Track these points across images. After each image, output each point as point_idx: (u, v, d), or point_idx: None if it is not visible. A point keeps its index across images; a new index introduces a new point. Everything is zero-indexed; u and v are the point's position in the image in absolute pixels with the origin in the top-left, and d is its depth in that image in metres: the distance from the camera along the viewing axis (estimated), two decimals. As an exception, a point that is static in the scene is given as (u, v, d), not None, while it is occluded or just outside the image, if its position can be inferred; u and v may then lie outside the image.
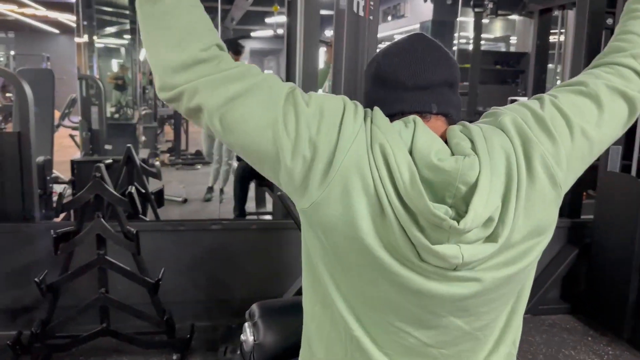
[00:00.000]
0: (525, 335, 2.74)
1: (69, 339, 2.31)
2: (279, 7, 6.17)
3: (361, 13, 1.69)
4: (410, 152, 0.80)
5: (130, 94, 7.39)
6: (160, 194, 3.08)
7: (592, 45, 2.95)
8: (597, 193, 2.90)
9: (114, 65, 7.84)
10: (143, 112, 7.24)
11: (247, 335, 1.21)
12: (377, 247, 0.80)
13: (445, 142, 0.84)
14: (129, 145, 2.92)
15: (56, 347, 2.31)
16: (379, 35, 2.21)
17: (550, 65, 3.81)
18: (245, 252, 2.79)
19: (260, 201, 4.23)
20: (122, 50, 7.89)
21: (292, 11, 2.70)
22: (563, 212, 3.33)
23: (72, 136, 6.10)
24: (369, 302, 0.85)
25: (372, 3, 1.69)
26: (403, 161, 0.79)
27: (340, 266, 0.84)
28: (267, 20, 10.83)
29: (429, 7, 6.39)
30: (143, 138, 5.86)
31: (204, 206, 4.96)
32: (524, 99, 4.63)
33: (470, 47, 4.66)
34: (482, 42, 5.60)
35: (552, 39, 3.61)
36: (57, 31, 13.65)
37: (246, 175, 4.03)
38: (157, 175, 3.06)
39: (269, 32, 11.57)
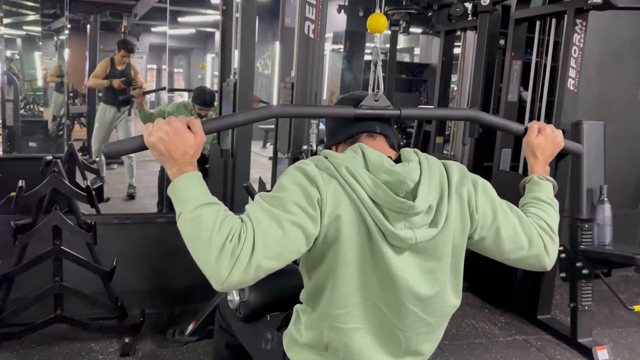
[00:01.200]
0: (434, 310, 3.20)
1: (22, 326, 2.41)
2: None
3: (311, 35, 2.02)
4: (367, 168, 1.15)
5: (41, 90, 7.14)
6: (100, 189, 3.20)
7: (489, 60, 3.47)
8: (492, 182, 3.43)
9: (36, 58, 7.48)
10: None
11: (234, 295, 1.48)
12: (359, 237, 1.13)
13: (396, 160, 1.21)
14: (71, 142, 3.02)
15: (8, 335, 2.40)
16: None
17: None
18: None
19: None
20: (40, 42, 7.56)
21: (228, 13, 2.93)
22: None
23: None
24: (354, 288, 1.17)
25: (319, 26, 2.02)
26: (364, 173, 1.14)
27: (334, 265, 1.16)
28: (180, 19, 10.82)
29: (343, 17, 6.84)
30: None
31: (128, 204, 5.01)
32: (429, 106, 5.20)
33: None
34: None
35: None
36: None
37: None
38: (99, 172, 3.18)
39: (183, 31, 11.49)
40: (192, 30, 12.46)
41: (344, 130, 1.30)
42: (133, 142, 1.13)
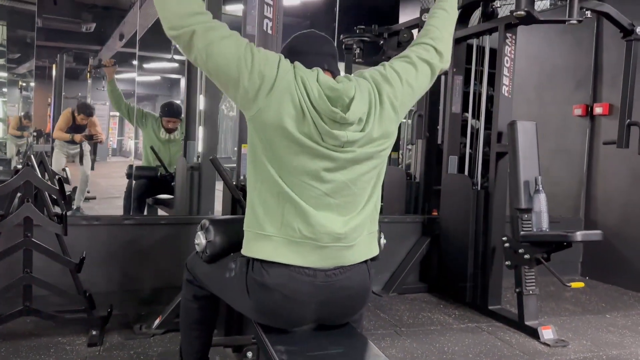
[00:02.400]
0: (391, 305, 3.37)
1: (-11, 319, 2.45)
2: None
3: (269, 32, 2.27)
4: (317, 82, 1.41)
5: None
6: (69, 197, 3.30)
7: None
8: (441, 191, 3.70)
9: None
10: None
11: (201, 239, 1.64)
12: (298, 133, 1.38)
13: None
14: (42, 151, 3.15)
15: (-24, 328, 2.44)
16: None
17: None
18: (154, 245, 3.11)
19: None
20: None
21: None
22: (418, 211, 4.10)
23: None
24: (291, 170, 1.41)
25: (277, 23, 2.28)
26: (314, 85, 1.40)
27: (272, 150, 1.40)
28: (146, 65, 11.10)
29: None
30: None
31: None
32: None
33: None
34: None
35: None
36: None
37: (143, 194, 4.34)
38: (67, 180, 3.29)
39: (149, 77, 11.74)
40: (158, 77, 12.71)
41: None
42: None
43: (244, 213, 2.44)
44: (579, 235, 2.78)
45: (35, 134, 7.91)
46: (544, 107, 4.77)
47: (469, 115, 3.63)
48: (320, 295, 1.45)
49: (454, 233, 3.54)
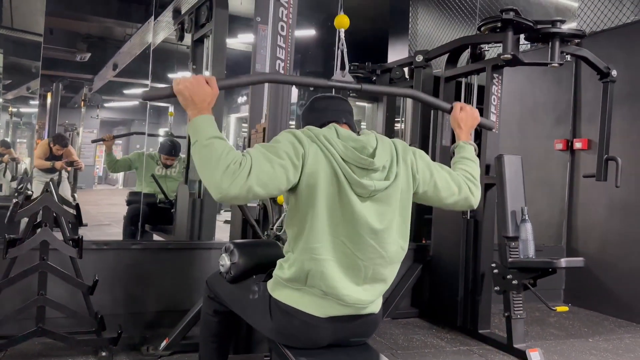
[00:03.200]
0: (386, 330, 3.51)
1: (4, 339, 2.54)
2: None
3: (282, 71, 2.47)
4: (338, 137, 1.58)
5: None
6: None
7: (426, 111, 4.07)
8: (432, 220, 3.89)
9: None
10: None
11: (225, 260, 1.79)
12: (332, 187, 1.52)
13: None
14: (51, 178, 3.27)
15: (-10, 348, 2.52)
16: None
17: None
18: (159, 269, 3.23)
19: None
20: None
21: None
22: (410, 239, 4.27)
23: None
24: (326, 227, 1.54)
25: (288, 64, 2.48)
26: (337, 140, 1.56)
27: (312, 207, 1.52)
28: (126, 91, 11.22)
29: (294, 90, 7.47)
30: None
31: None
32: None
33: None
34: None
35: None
36: None
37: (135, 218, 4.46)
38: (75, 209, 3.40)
39: (126, 103, 11.72)
40: (136, 103, 12.79)
41: (318, 121, 1.70)
42: (165, 90, 1.51)
43: (254, 236, 2.61)
44: (564, 262, 2.98)
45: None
46: (527, 141, 5.04)
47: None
48: (338, 325, 1.61)
49: (445, 260, 3.72)
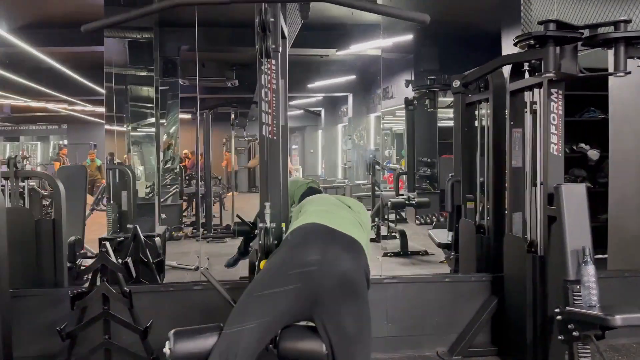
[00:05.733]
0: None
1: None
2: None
3: (268, 135, 2.51)
4: None
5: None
6: (160, 263, 3.89)
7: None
8: (504, 251, 3.54)
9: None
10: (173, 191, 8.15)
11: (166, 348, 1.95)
12: None
13: None
14: (135, 225, 3.78)
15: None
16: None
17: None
18: (221, 307, 3.51)
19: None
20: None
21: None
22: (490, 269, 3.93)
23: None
24: None
25: (275, 128, 2.50)
26: None
27: None
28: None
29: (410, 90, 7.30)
30: (163, 216, 6.73)
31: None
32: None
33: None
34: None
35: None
36: (103, 122, 15.25)
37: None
38: (156, 249, 3.89)
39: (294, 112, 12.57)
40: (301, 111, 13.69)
41: None
42: None
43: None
44: (619, 319, 2.49)
45: (187, 177, 9.10)
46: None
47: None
48: None
49: (514, 297, 3.36)
